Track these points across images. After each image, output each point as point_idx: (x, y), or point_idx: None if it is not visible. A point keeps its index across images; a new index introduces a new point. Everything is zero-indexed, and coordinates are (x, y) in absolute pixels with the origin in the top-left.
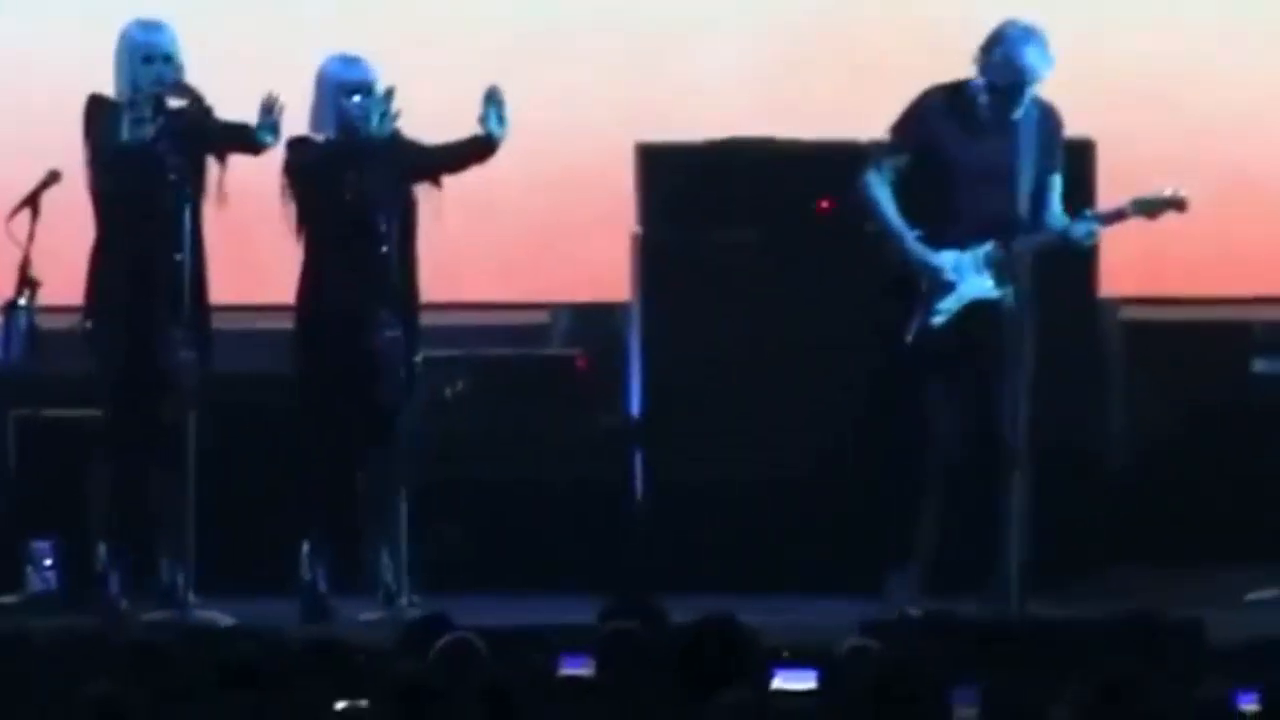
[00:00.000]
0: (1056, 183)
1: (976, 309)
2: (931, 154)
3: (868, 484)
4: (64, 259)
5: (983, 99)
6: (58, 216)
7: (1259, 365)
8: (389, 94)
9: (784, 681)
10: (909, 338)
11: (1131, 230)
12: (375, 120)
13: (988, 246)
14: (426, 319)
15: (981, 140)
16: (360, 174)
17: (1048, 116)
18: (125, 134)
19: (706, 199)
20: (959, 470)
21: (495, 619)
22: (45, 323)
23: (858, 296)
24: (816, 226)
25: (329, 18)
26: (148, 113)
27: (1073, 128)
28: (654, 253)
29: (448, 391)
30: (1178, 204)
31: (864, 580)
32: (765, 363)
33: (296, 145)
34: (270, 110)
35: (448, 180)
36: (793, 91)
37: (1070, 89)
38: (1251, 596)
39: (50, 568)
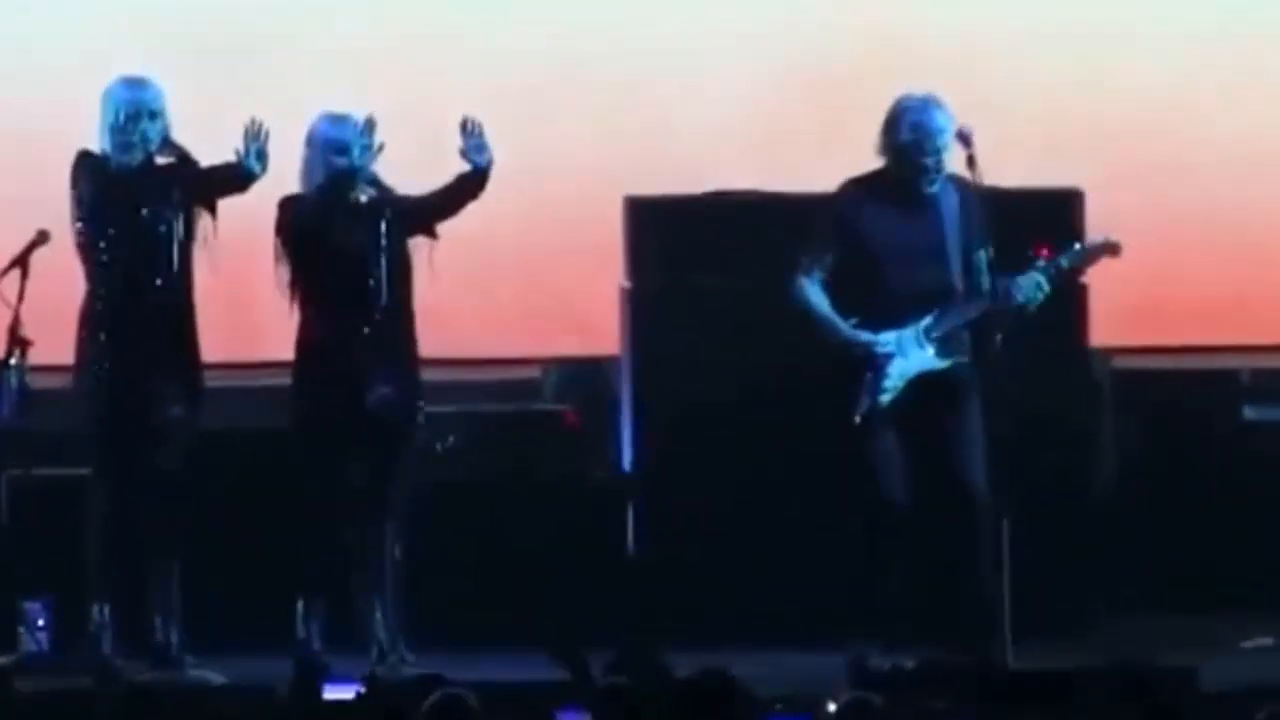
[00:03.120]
0: (983, 259)
1: (924, 380)
2: (857, 244)
3: (850, 535)
4: (54, 318)
5: (897, 179)
6: (47, 276)
7: (1249, 413)
8: (370, 125)
9: None
10: (858, 417)
11: (1121, 280)
12: (356, 152)
13: (927, 320)
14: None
15: (904, 219)
16: (352, 230)
17: (966, 190)
18: (112, 156)
19: (695, 251)
20: (914, 521)
21: (487, 674)
22: (36, 382)
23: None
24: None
25: (317, 75)
26: (135, 137)
27: (1059, 178)
28: (643, 306)
29: (439, 446)
30: (1111, 248)
31: (856, 632)
32: (756, 414)
33: (288, 204)
34: (256, 136)
35: (438, 231)
36: (779, 144)
37: (1056, 139)
38: (1247, 645)
39: (43, 628)
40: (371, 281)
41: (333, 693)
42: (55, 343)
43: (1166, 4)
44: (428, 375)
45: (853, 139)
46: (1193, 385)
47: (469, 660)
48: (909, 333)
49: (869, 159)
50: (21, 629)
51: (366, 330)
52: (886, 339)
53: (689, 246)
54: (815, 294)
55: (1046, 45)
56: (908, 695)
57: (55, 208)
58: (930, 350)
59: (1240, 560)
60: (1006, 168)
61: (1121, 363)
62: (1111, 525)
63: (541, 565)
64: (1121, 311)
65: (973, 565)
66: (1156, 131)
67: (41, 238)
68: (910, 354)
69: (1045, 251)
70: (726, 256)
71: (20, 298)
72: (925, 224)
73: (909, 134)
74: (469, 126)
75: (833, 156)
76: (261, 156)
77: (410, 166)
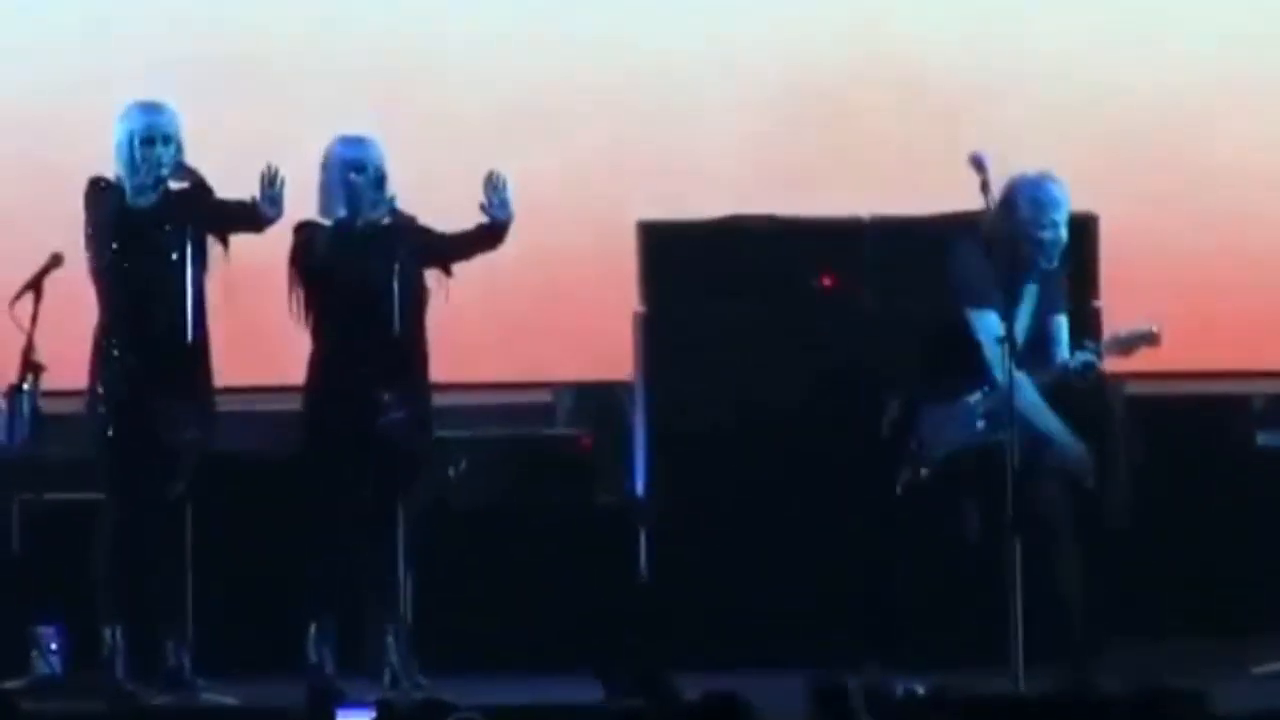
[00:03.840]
0: (1062, 325)
1: (965, 455)
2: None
3: (866, 562)
4: (67, 343)
5: (1003, 255)
6: (61, 300)
7: (1262, 439)
8: (380, 180)
9: None
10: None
11: (1134, 304)
12: (370, 172)
13: (976, 396)
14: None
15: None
16: (367, 257)
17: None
18: (126, 181)
19: (708, 276)
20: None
21: (499, 698)
22: (49, 407)
23: (860, 372)
24: (818, 302)
25: (330, 101)
26: (149, 181)
27: (1073, 202)
28: (656, 330)
29: (451, 471)
30: (1151, 339)
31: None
32: (769, 439)
33: (302, 230)
34: (272, 183)
35: (453, 272)
36: (793, 168)
37: (1069, 163)
38: (1258, 670)
39: (55, 652)
40: (385, 306)
41: (346, 717)
42: (68, 368)
43: (1177, 27)
44: (440, 399)
45: (867, 165)
46: (1205, 411)
47: (481, 685)
48: (958, 407)
49: (885, 183)
50: (34, 653)
51: (378, 355)
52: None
53: (703, 271)
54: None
55: (1058, 69)
56: None
57: (69, 231)
58: (976, 424)
59: (1252, 585)
60: None
61: (1134, 388)
62: (1123, 549)
63: (553, 590)
64: None
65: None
66: (1170, 156)
67: (55, 261)
68: (957, 428)
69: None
70: (740, 281)
71: (34, 322)
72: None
73: (1027, 212)
74: (494, 181)
75: (847, 182)
76: (276, 202)
77: (423, 190)
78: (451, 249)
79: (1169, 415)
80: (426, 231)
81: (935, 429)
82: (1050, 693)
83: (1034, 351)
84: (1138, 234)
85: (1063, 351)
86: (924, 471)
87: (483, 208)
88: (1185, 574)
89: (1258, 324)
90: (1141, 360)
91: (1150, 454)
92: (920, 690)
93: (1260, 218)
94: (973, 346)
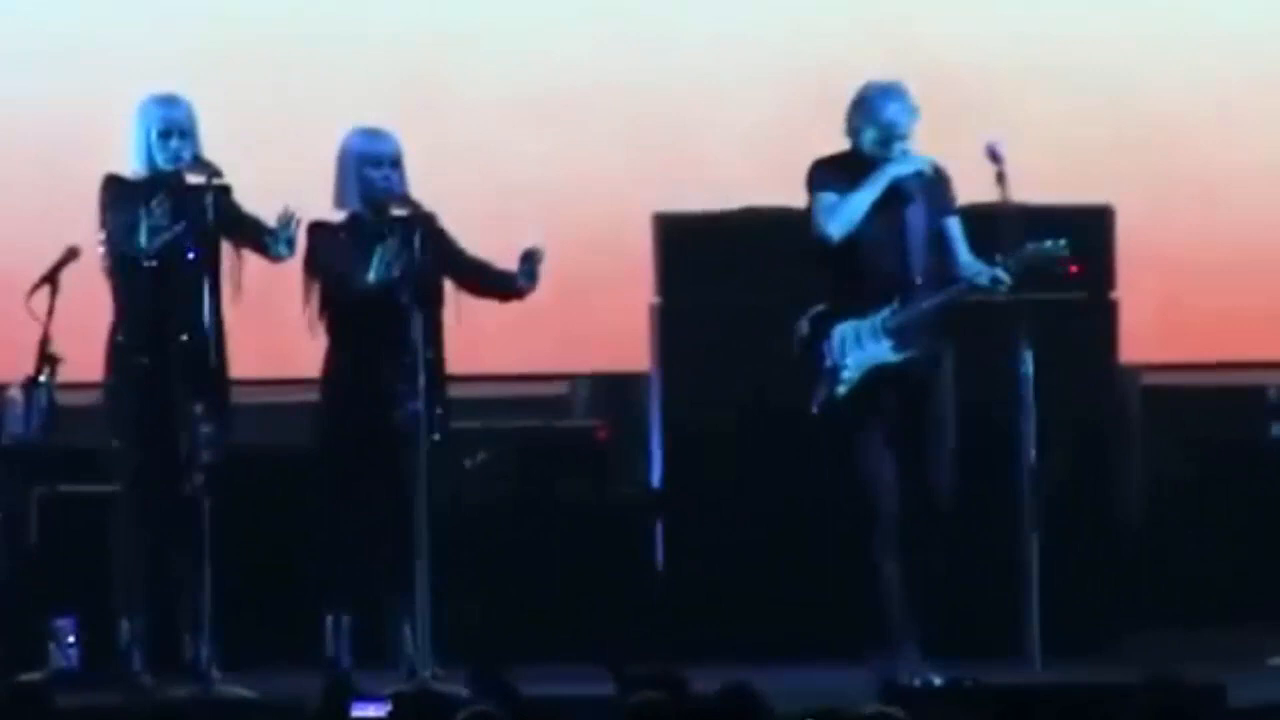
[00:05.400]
0: (955, 226)
1: (880, 374)
2: None
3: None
4: (84, 335)
5: (860, 166)
6: (77, 293)
7: (1278, 430)
8: (404, 199)
9: None
10: (815, 409)
11: (1150, 296)
12: (388, 169)
13: (884, 312)
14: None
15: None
16: (383, 253)
17: (930, 172)
18: (143, 241)
19: (724, 268)
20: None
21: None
22: (65, 399)
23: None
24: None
25: (345, 90)
26: (164, 220)
27: (1089, 194)
28: (672, 322)
29: (468, 463)
30: (1061, 258)
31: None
32: (785, 431)
33: (315, 232)
34: (287, 225)
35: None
36: (809, 160)
37: (1086, 155)
38: (1275, 662)
39: (72, 644)
40: (401, 302)
41: (361, 711)
42: (84, 360)
43: (1197, 18)
44: (456, 391)
45: None
46: (1221, 402)
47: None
48: (867, 324)
49: None
50: (51, 645)
51: (395, 347)
52: (844, 329)
53: (719, 263)
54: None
55: (1075, 60)
56: (935, 712)
57: (84, 224)
58: (887, 343)
59: (1268, 576)
60: (1036, 184)
61: (1150, 379)
62: (1139, 541)
63: (570, 582)
64: (1150, 328)
65: (929, 573)
66: (1186, 146)
67: (71, 254)
68: (867, 345)
69: (1074, 269)
70: (756, 273)
71: (50, 314)
72: (893, 210)
73: (869, 121)
74: (534, 254)
75: None
76: (291, 244)
77: (437, 182)
78: (465, 273)
79: (1184, 406)
80: (448, 239)
81: (848, 346)
82: (1067, 683)
83: (934, 254)
84: (1153, 226)
85: (964, 250)
86: (841, 390)
87: (516, 274)
88: (1201, 566)
89: (1274, 315)
90: (1158, 351)
91: (1165, 445)
92: (937, 680)
93: (1276, 206)
94: (883, 260)
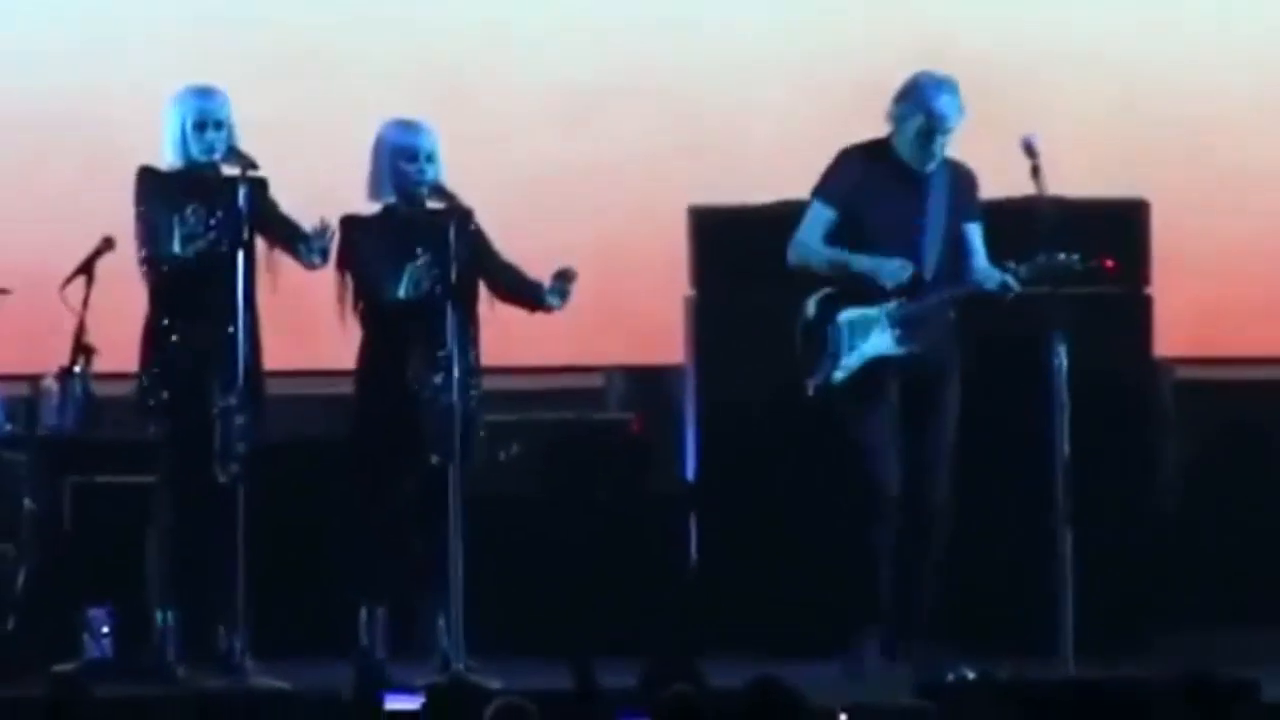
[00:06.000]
0: (976, 232)
1: (882, 365)
2: (850, 211)
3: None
4: (119, 326)
5: (896, 155)
6: (112, 283)
7: None
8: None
9: None
10: (810, 391)
11: (1185, 290)
12: (423, 161)
13: (891, 304)
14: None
15: (891, 197)
16: (415, 248)
17: (959, 174)
18: (177, 248)
19: (759, 261)
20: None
21: (548, 682)
22: (101, 389)
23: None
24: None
25: (377, 81)
26: (200, 228)
27: (1124, 188)
28: (707, 315)
29: (502, 455)
30: (1075, 271)
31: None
32: (818, 424)
33: (347, 227)
34: (322, 235)
35: (501, 241)
36: None
37: (1121, 148)
38: None
39: (107, 635)
40: (436, 293)
41: (395, 703)
42: (120, 350)
43: (1235, 10)
44: (490, 383)
45: None
46: (1256, 396)
47: (530, 669)
48: (874, 312)
49: None
50: (85, 635)
51: (429, 341)
52: (851, 315)
53: (753, 256)
54: (815, 244)
55: (1109, 53)
56: (970, 705)
57: (120, 215)
58: (891, 335)
59: None
60: (1071, 178)
61: (1185, 373)
62: (1173, 536)
63: (604, 574)
64: (1185, 322)
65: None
66: (1221, 140)
67: (107, 245)
68: (871, 335)
69: (1110, 264)
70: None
71: (85, 305)
72: (911, 204)
73: (915, 110)
74: (567, 274)
75: None
76: (325, 254)
77: (470, 173)
78: (496, 277)
79: (1218, 400)
80: (483, 238)
81: (852, 333)
82: (1101, 678)
83: (950, 256)
84: (1189, 220)
85: (981, 258)
86: (838, 375)
87: (548, 291)
88: (1236, 561)
89: None
90: (1192, 345)
91: (1200, 440)
92: (970, 675)
93: None
94: (895, 252)
